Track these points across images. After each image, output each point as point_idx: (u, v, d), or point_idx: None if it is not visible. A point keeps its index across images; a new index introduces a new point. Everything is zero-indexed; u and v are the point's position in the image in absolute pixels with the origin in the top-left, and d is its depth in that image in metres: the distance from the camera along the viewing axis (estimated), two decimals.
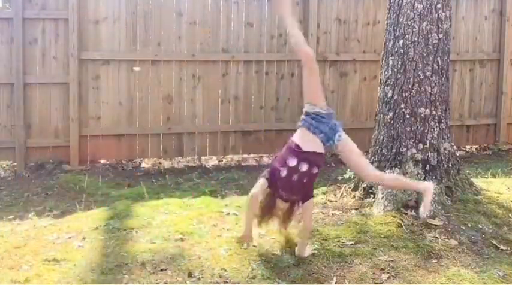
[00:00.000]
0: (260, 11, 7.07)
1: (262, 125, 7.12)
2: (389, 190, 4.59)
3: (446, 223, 4.31)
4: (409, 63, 4.72)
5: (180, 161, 6.99)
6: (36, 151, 6.53)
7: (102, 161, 6.77)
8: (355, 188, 4.92)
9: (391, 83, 4.80)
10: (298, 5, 7.11)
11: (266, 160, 7.23)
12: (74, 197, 5.50)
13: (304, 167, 3.59)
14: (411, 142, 4.68)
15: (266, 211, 3.73)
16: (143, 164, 6.88)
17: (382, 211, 4.47)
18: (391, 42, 4.85)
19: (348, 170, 5.71)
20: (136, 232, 4.24)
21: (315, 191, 5.12)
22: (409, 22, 4.73)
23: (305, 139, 3.62)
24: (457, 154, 5.15)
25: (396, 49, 4.79)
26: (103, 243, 4.03)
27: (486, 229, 4.28)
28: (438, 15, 4.68)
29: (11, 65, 6.41)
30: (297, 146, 3.61)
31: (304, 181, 3.63)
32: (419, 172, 4.63)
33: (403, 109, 4.72)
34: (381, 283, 3.53)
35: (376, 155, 4.85)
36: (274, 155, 7.20)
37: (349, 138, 3.71)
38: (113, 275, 3.58)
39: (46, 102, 6.54)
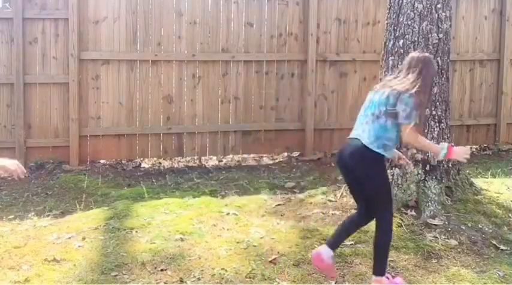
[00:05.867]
0: (260, 11, 7.06)
1: (262, 125, 7.11)
2: None
3: (446, 223, 4.31)
4: None
5: (180, 161, 6.99)
6: (36, 151, 6.52)
7: (102, 161, 6.76)
8: None
9: None
10: (298, 5, 7.10)
11: (266, 160, 7.23)
12: (74, 197, 5.50)
13: None
14: None
15: None
16: (143, 164, 6.88)
17: None
18: (391, 42, 4.85)
19: None
20: (137, 232, 4.25)
21: (314, 191, 5.16)
22: (409, 22, 4.73)
23: None
24: None
25: (396, 49, 4.79)
26: (103, 243, 4.04)
27: (486, 229, 4.29)
28: (438, 15, 4.68)
29: (11, 65, 6.40)
30: None
31: None
32: (419, 172, 4.63)
33: None
34: None
35: None
36: (273, 155, 7.22)
37: None
38: (113, 275, 3.58)
39: (46, 102, 6.53)
